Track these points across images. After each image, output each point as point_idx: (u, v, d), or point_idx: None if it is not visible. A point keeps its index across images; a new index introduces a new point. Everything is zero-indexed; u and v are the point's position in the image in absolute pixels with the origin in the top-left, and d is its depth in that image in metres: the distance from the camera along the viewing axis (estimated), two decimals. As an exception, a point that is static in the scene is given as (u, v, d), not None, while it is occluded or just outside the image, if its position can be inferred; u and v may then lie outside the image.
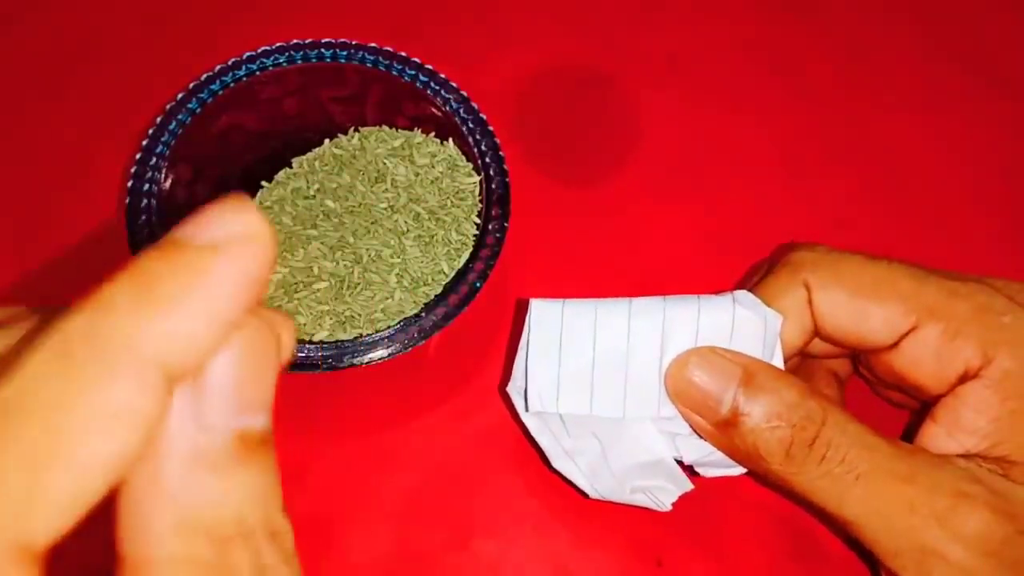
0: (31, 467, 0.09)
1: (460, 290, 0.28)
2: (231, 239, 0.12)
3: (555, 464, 0.27)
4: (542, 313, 0.25)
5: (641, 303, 0.25)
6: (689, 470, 0.26)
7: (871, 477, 0.22)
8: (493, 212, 0.29)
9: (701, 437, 0.25)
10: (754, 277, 0.28)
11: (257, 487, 0.12)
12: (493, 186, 0.30)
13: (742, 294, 0.25)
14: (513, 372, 0.26)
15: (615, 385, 0.25)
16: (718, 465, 0.25)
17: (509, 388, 0.26)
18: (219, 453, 0.12)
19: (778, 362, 0.25)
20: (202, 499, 0.11)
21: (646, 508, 0.27)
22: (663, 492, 0.26)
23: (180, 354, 0.11)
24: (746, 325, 0.24)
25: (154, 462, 0.11)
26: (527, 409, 0.25)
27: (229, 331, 0.12)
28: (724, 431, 0.24)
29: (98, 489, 0.10)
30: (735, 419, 0.23)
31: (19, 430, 0.09)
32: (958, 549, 0.22)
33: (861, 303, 0.25)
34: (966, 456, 0.23)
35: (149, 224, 0.28)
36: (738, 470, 0.25)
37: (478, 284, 0.28)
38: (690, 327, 0.24)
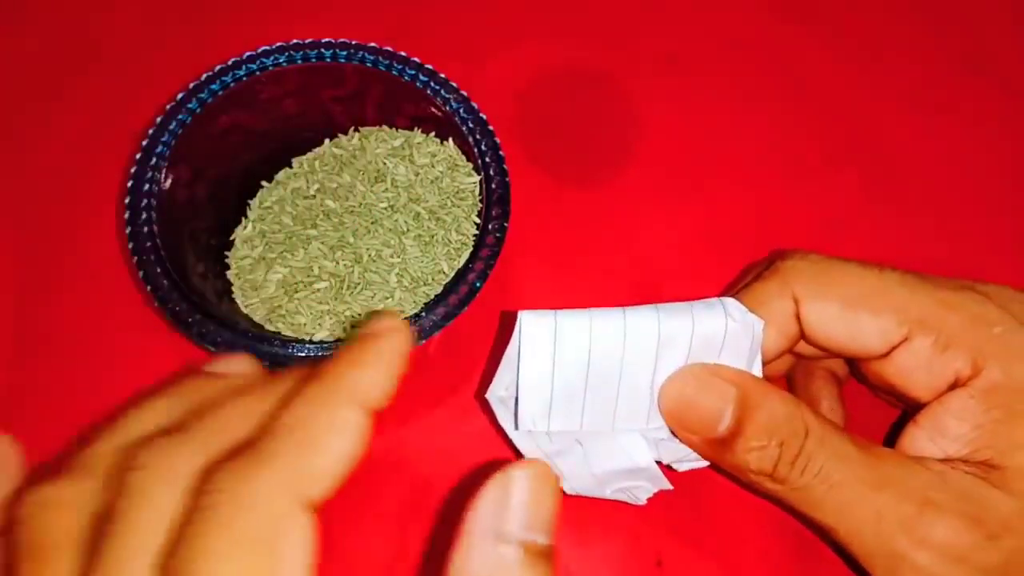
0: (305, 453, 0.16)
1: (460, 290, 0.28)
2: (386, 328, 0.19)
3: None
4: (533, 328, 0.24)
5: (635, 317, 0.24)
6: (664, 466, 0.26)
7: (843, 486, 0.23)
8: (493, 212, 0.29)
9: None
10: (746, 278, 0.28)
11: None
12: (493, 186, 0.30)
13: (731, 303, 0.24)
14: (495, 382, 0.25)
15: (607, 400, 0.24)
16: (690, 459, 0.26)
17: (489, 396, 0.26)
18: (512, 560, 0.16)
19: (757, 369, 0.25)
20: None
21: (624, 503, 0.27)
22: (640, 490, 0.26)
23: (376, 397, 0.17)
24: (735, 336, 0.24)
25: (463, 564, 0.16)
26: (516, 428, 0.25)
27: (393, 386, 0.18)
28: (716, 448, 0.24)
29: (341, 471, 0.16)
30: (729, 440, 0.23)
31: (295, 435, 0.16)
32: (925, 555, 0.22)
33: (853, 314, 0.25)
34: (947, 460, 0.23)
35: (149, 224, 0.28)
36: (705, 462, 0.26)
37: (478, 284, 0.28)
38: (684, 341, 0.24)
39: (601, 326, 0.24)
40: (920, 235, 0.36)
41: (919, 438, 0.24)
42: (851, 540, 0.23)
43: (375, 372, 0.18)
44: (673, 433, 0.25)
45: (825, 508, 0.23)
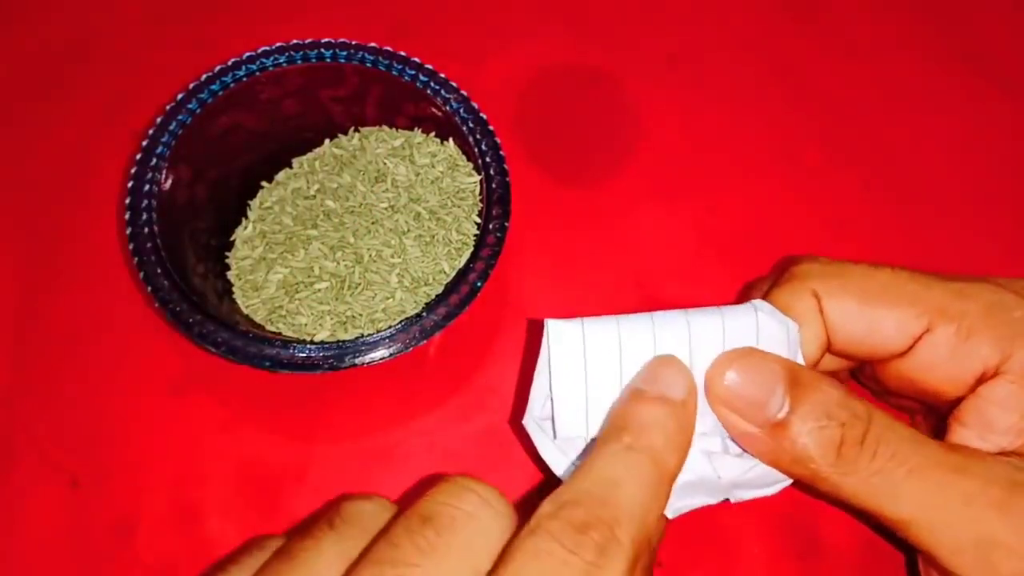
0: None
1: (461, 290, 0.28)
2: (688, 390, 0.22)
3: None
4: (561, 335, 0.23)
5: (663, 317, 0.24)
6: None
7: (924, 470, 0.21)
8: (493, 212, 0.29)
9: (740, 447, 0.24)
10: (752, 292, 0.28)
11: None
12: (493, 186, 0.30)
13: (761, 303, 0.24)
14: (530, 404, 0.24)
15: None
16: (754, 485, 0.24)
17: (525, 421, 0.24)
18: None
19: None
20: None
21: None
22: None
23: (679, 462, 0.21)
24: (770, 332, 0.23)
25: None
26: (555, 437, 0.24)
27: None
28: (771, 434, 0.23)
29: None
30: (784, 421, 0.22)
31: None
32: (1022, 538, 0.21)
33: (871, 310, 0.24)
34: (1004, 454, 0.23)
35: (149, 224, 0.28)
36: (772, 489, 0.24)
37: (479, 284, 0.28)
38: (716, 338, 0.23)
39: (629, 331, 0.23)
40: (921, 235, 0.36)
41: (967, 437, 0.23)
42: (935, 531, 0.22)
43: (684, 456, 0.21)
44: (731, 439, 0.24)
45: (903, 497, 0.21)
